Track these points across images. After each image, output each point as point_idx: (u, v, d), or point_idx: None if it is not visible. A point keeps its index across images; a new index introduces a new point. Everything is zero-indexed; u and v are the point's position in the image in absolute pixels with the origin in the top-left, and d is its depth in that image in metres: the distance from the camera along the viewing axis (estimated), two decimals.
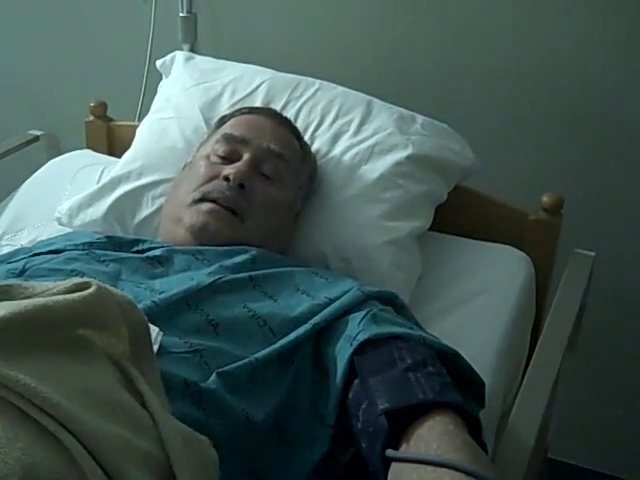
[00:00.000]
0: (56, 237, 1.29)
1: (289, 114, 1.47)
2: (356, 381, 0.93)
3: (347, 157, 1.42)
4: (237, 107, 1.46)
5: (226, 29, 2.02)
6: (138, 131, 1.57)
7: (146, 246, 1.20)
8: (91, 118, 1.80)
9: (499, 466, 0.94)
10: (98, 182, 1.50)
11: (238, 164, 1.25)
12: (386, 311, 1.04)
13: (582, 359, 1.52)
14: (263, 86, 1.55)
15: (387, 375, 0.89)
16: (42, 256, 1.13)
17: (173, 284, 1.04)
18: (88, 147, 1.78)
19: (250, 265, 1.13)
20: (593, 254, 1.51)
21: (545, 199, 1.49)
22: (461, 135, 1.53)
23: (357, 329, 0.98)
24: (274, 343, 0.98)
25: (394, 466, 0.81)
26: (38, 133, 1.83)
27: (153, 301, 0.97)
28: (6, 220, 1.54)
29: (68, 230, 1.40)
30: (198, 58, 1.68)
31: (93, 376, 0.75)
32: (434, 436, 0.80)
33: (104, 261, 1.12)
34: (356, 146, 1.43)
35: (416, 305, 1.27)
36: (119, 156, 1.56)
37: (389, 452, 0.81)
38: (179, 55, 1.68)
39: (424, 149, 1.45)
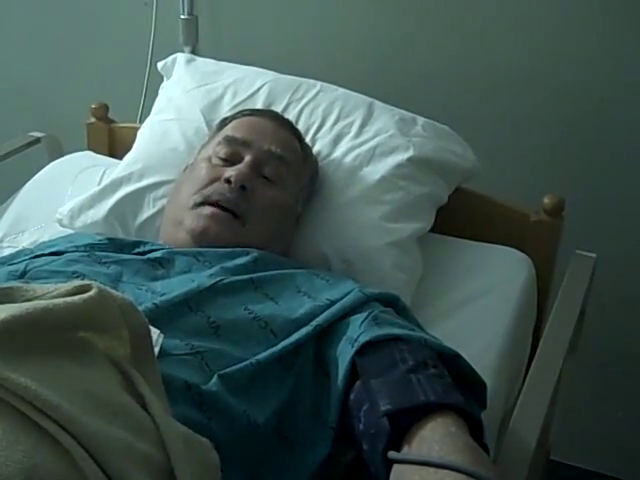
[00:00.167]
0: (57, 239, 1.29)
1: (290, 116, 1.47)
2: (358, 383, 0.93)
3: (348, 159, 1.42)
4: (238, 109, 1.46)
5: (227, 31, 2.02)
6: (139, 133, 1.57)
7: (147, 248, 1.20)
8: (92, 120, 1.80)
9: (501, 468, 0.94)
10: (99, 184, 1.50)
11: (239, 166, 1.25)
12: (387, 312, 1.04)
13: (583, 360, 1.52)
14: (264, 88, 1.55)
15: (389, 377, 0.89)
16: (43, 258, 1.13)
17: (174, 286, 1.04)
18: (89, 149, 1.78)
19: (251, 267, 1.13)
20: (594, 255, 1.51)
21: (546, 200, 1.49)
22: (462, 137, 1.53)
23: (358, 331, 0.98)
24: (275, 345, 0.98)
25: (396, 468, 0.81)
26: (39, 135, 1.83)
27: (154, 303, 0.97)
28: (7, 222, 1.54)
29: (69, 232, 1.40)
30: (199, 60, 1.68)
31: (94, 379, 0.75)
32: (436, 438, 0.80)
33: (105, 263, 1.12)
34: (357, 148, 1.43)
35: (417, 306, 1.27)
36: (120, 158, 1.56)
37: (391, 454, 0.81)
38: (180, 57, 1.68)
39: (425, 151, 1.45)
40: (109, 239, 1.23)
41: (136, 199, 1.42)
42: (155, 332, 0.88)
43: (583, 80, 1.74)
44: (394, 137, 1.45)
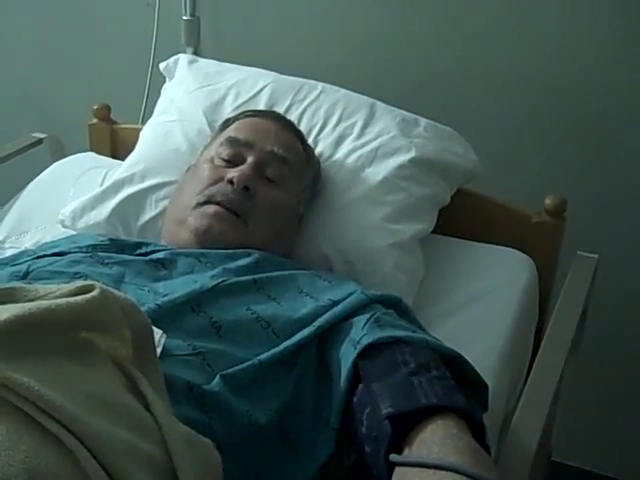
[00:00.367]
0: (60, 239, 1.29)
1: (292, 117, 1.47)
2: (360, 386, 0.93)
3: (350, 160, 1.42)
4: (241, 110, 1.46)
5: (229, 32, 2.02)
6: (141, 134, 1.58)
7: (150, 249, 1.20)
8: (94, 121, 1.80)
9: (502, 468, 0.94)
10: (101, 185, 1.50)
11: (242, 167, 1.25)
12: (389, 314, 1.04)
13: (585, 361, 1.53)
14: (266, 89, 1.56)
15: (391, 379, 0.89)
16: (46, 258, 1.13)
17: (177, 287, 1.05)
18: (92, 150, 1.79)
19: (253, 268, 1.13)
20: (596, 256, 1.51)
21: (548, 201, 1.49)
22: (464, 138, 1.54)
23: (361, 333, 0.98)
24: (277, 345, 0.98)
25: (397, 470, 0.81)
26: (42, 136, 1.83)
27: (156, 304, 0.98)
28: (10, 222, 1.55)
29: (72, 233, 1.40)
30: (201, 61, 1.68)
31: (97, 379, 0.75)
32: (437, 440, 0.80)
33: (108, 264, 1.12)
34: (359, 149, 1.44)
35: (419, 307, 1.27)
36: (123, 159, 1.56)
37: (392, 457, 0.81)
38: (182, 58, 1.68)
39: (427, 152, 1.45)
40: (111, 240, 1.23)
41: (138, 200, 1.42)
42: (157, 332, 0.89)
43: (585, 81, 1.74)
44: (396, 138, 1.45)
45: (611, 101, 1.73)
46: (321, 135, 1.48)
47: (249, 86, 1.57)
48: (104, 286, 0.80)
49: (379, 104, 1.53)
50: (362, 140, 1.45)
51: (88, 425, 0.68)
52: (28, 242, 1.46)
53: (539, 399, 1.08)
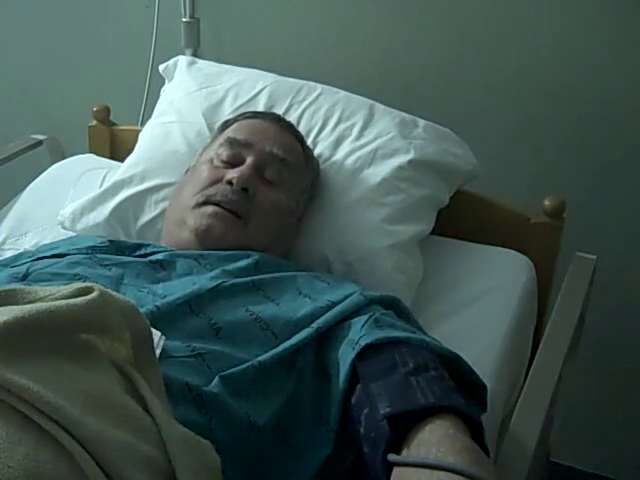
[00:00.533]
0: (59, 241, 1.29)
1: (291, 118, 1.47)
2: (359, 386, 0.93)
3: (349, 161, 1.43)
4: (240, 111, 1.46)
5: (228, 34, 2.02)
6: (141, 135, 1.58)
7: (149, 250, 1.20)
8: (94, 122, 1.80)
9: (501, 469, 0.94)
10: (101, 186, 1.50)
11: (241, 168, 1.25)
12: (388, 315, 1.05)
13: (584, 362, 1.53)
14: (265, 90, 1.56)
15: (389, 380, 0.89)
16: (45, 260, 1.14)
17: (176, 288, 1.05)
18: (91, 151, 1.79)
19: (253, 269, 1.13)
20: (595, 257, 1.51)
21: (547, 203, 1.49)
22: (463, 139, 1.54)
23: (359, 333, 0.98)
24: (276, 346, 0.98)
25: (395, 471, 0.81)
26: (41, 137, 1.83)
27: (156, 305, 0.98)
28: (9, 224, 1.55)
29: (71, 234, 1.40)
30: (201, 62, 1.68)
31: (96, 380, 0.76)
32: (434, 440, 0.80)
33: (107, 265, 1.12)
34: (358, 150, 1.44)
35: (418, 308, 1.27)
36: (122, 160, 1.56)
37: (390, 457, 0.82)
38: (182, 60, 1.68)
39: (426, 153, 1.45)
40: (110, 241, 1.23)
41: (137, 201, 1.43)
42: (156, 334, 0.89)
43: (583, 82, 1.74)
44: (395, 139, 1.45)
45: (610, 103, 1.74)
46: (320, 136, 1.48)
47: (248, 87, 1.57)
48: (103, 288, 0.80)
49: (378, 105, 1.53)
50: (361, 141, 1.45)
51: (87, 426, 0.68)
52: (28, 243, 1.46)
53: (537, 400, 1.08)
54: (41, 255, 1.16)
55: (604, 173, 1.79)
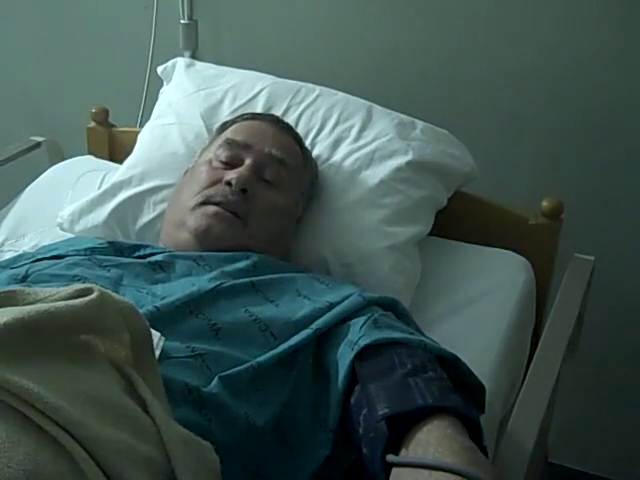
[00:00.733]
0: (58, 242, 1.29)
1: (290, 120, 1.47)
2: (357, 387, 0.93)
3: (348, 163, 1.43)
4: (238, 113, 1.46)
5: (227, 36, 2.02)
6: (139, 137, 1.58)
7: (148, 251, 1.20)
8: (93, 124, 1.80)
9: (499, 470, 0.95)
10: (99, 188, 1.50)
11: (240, 169, 1.25)
12: (387, 316, 1.05)
13: (582, 363, 1.53)
14: (264, 92, 1.56)
15: (387, 381, 0.89)
16: (44, 261, 1.14)
17: (175, 289, 1.05)
18: (90, 153, 1.79)
19: (251, 271, 1.14)
20: (593, 259, 1.51)
21: (545, 204, 1.49)
22: (461, 140, 1.54)
23: (358, 334, 0.98)
24: (275, 347, 0.98)
25: (394, 471, 0.81)
26: (40, 139, 1.83)
27: (155, 306, 0.98)
28: (8, 226, 1.55)
29: (70, 236, 1.40)
30: (199, 64, 1.69)
31: (95, 381, 0.76)
32: (432, 440, 0.80)
33: (106, 266, 1.12)
34: (356, 152, 1.44)
35: (416, 309, 1.27)
36: (120, 162, 1.57)
37: (389, 457, 0.82)
38: (180, 61, 1.69)
39: (424, 155, 1.45)
40: (109, 242, 1.23)
41: (136, 203, 1.43)
42: (156, 335, 0.89)
43: (582, 83, 1.74)
44: (393, 141, 1.46)
45: (609, 104, 1.74)
46: (318, 138, 1.49)
47: (246, 89, 1.57)
48: (103, 289, 0.80)
49: (376, 107, 1.54)
50: (359, 143, 1.46)
51: (87, 427, 0.68)
52: (26, 245, 1.46)
53: (536, 400, 1.08)
54: (40, 256, 1.16)
55: (602, 174, 1.79)
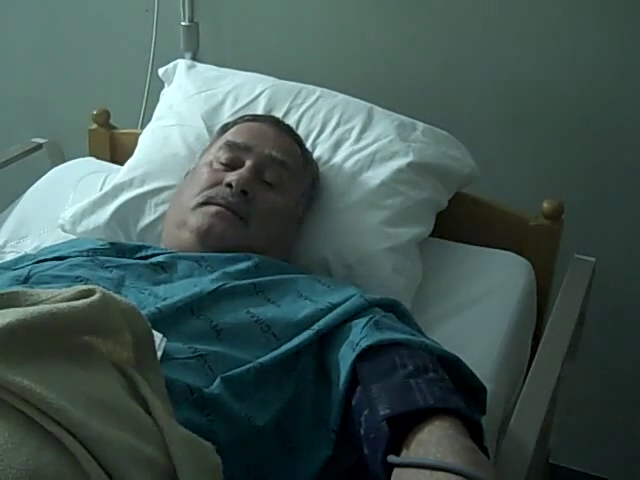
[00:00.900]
0: (60, 244, 1.29)
1: (290, 122, 1.48)
2: (359, 388, 0.93)
3: (348, 164, 1.43)
4: (239, 115, 1.46)
5: (228, 37, 2.03)
6: (140, 139, 1.58)
7: (149, 252, 1.21)
8: (94, 126, 1.81)
9: (500, 470, 0.95)
10: (101, 189, 1.50)
11: (240, 171, 1.26)
12: (388, 317, 1.05)
13: (583, 364, 1.53)
14: (265, 94, 1.56)
15: (388, 382, 0.89)
16: (46, 263, 1.14)
17: (177, 290, 1.05)
18: (91, 155, 1.79)
19: (253, 272, 1.14)
20: (593, 260, 1.51)
21: (546, 205, 1.49)
22: (461, 142, 1.54)
23: (360, 335, 0.98)
24: (277, 348, 0.98)
25: (395, 472, 0.81)
26: (41, 141, 1.84)
27: (157, 307, 0.98)
28: (10, 227, 1.55)
29: (72, 237, 1.40)
30: (200, 66, 1.69)
31: (97, 382, 0.76)
32: (433, 441, 0.80)
33: (108, 267, 1.12)
34: (357, 153, 1.44)
35: (417, 310, 1.27)
36: (122, 164, 1.57)
37: (390, 458, 0.82)
38: (181, 63, 1.69)
39: (425, 156, 1.46)
40: (111, 244, 1.23)
41: (137, 204, 1.43)
42: (158, 336, 0.89)
43: (583, 84, 1.74)
44: (394, 142, 1.46)
45: (609, 105, 1.74)
46: (319, 139, 1.49)
47: (247, 91, 1.57)
48: (105, 290, 0.80)
49: (377, 108, 1.54)
50: (360, 144, 1.46)
51: (89, 428, 0.68)
52: (28, 247, 1.47)
53: (537, 401, 1.08)
54: (42, 258, 1.17)
55: (603, 175, 1.79)
